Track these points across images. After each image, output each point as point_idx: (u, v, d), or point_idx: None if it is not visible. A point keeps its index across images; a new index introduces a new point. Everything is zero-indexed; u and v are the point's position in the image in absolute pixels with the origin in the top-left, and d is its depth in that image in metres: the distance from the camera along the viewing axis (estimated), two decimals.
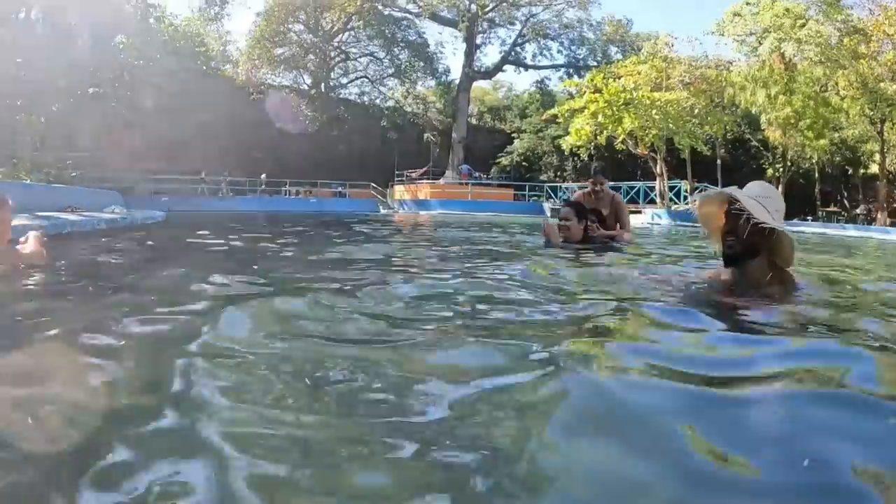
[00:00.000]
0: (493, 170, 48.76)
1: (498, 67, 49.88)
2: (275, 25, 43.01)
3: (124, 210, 11.99)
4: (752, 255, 3.03)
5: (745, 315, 2.75)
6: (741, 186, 3.12)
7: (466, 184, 38.37)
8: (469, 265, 4.99)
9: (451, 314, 2.84)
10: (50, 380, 1.86)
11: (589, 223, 6.54)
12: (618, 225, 7.40)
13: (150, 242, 7.95)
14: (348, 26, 46.08)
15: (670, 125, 30.31)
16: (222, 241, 7.62)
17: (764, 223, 2.81)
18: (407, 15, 46.67)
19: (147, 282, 4.08)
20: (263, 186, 38.28)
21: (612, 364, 1.97)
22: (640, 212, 26.76)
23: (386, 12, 45.33)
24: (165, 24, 36.89)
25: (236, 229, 9.92)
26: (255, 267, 4.98)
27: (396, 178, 42.63)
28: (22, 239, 4.58)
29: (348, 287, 3.41)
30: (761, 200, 2.94)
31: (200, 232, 9.02)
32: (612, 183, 29.22)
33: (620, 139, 32.17)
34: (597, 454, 1.37)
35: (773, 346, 2.27)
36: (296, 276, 4.50)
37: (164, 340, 2.35)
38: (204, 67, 40.87)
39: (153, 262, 5.92)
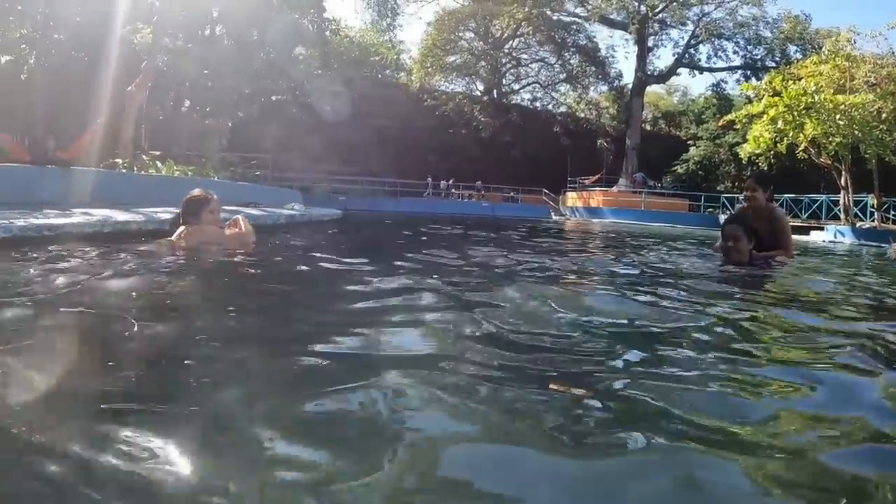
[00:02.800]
0: (667, 178, 46.52)
1: (671, 71, 47.32)
2: (445, 34, 43.07)
3: (303, 207, 11.99)
4: None
5: None
6: None
7: (640, 192, 36.88)
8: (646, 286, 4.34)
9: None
10: None
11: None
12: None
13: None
14: (518, 33, 45.37)
15: (856, 132, 27.31)
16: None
17: None
18: (576, 19, 45.12)
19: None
20: (439, 189, 38.47)
21: None
22: (821, 228, 24.36)
23: (555, 17, 44.11)
24: (341, 36, 38.15)
25: (423, 228, 9.79)
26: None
27: (569, 185, 41.64)
28: (230, 222, 5.54)
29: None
30: None
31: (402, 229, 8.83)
32: (791, 195, 27.34)
33: (802, 147, 29.32)
34: None
35: None
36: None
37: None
38: (379, 76, 42.03)
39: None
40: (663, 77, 48.23)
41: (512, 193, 39.84)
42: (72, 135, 15.92)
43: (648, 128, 54.09)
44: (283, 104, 29.63)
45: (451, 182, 38.14)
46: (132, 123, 15.36)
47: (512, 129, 43.48)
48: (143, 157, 13.06)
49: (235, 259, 4.96)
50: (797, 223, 24.99)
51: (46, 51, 22.39)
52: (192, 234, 4.92)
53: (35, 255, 4.45)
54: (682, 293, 3.86)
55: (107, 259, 4.50)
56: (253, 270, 4.61)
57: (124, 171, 11.13)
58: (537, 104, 49.15)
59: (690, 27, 44.26)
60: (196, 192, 5.29)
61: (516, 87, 49.42)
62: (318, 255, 5.50)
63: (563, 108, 49.00)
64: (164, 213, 7.07)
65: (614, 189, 39.27)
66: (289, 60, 29.51)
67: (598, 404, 1.72)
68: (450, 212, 28.16)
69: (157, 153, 14.37)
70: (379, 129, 37.19)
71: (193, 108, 21.99)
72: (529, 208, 35.94)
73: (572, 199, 39.52)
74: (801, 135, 27.70)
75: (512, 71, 48.54)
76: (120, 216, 6.54)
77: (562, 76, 47.43)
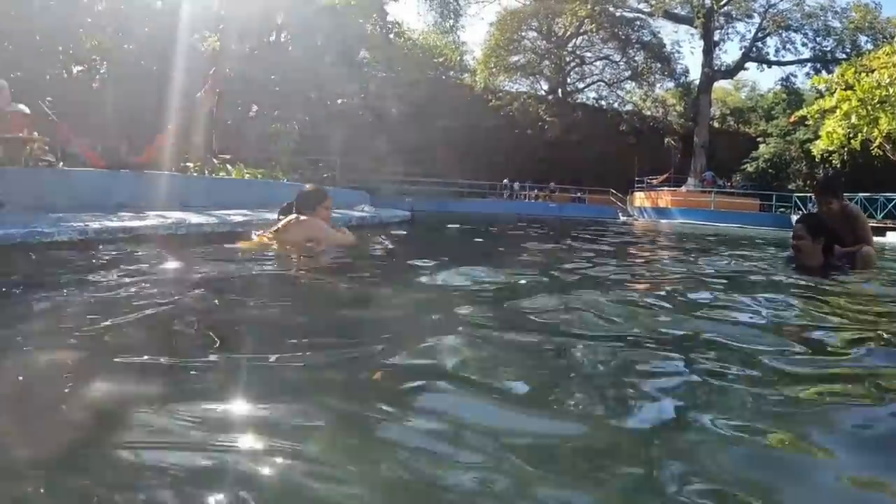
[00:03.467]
0: (736, 177, 45.03)
1: (739, 65, 45.63)
2: (508, 34, 42.84)
3: (373, 209, 11.90)
4: None
5: None
6: None
7: (709, 192, 35.88)
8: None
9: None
10: None
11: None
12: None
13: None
14: (581, 30, 44.64)
15: None
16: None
17: None
18: (639, 15, 44.10)
19: None
20: (510, 190, 38.29)
21: None
22: None
23: (618, 14, 43.29)
24: (404, 38, 38.23)
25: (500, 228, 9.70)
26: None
27: (636, 185, 40.83)
28: (341, 228, 5.76)
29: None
30: None
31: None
32: (866, 194, 25.84)
33: (877, 143, 27.94)
34: None
35: None
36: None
37: None
38: (443, 77, 42.03)
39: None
40: (731, 72, 46.63)
41: (579, 194, 39.30)
42: (144, 140, 16.24)
43: (716, 125, 52.55)
44: (348, 107, 30.02)
45: (525, 183, 38.12)
46: (202, 128, 15.70)
47: (578, 128, 42.75)
48: (214, 160, 13.16)
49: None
50: (872, 223, 23.55)
51: (117, 61, 22.99)
52: (303, 224, 4.99)
53: (140, 252, 4.64)
54: (761, 306, 3.50)
55: (211, 260, 4.61)
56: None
57: (195, 174, 11.20)
58: (603, 103, 48.34)
59: (757, 20, 42.75)
60: (312, 186, 5.62)
61: (581, 85, 48.69)
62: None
63: (629, 107, 47.98)
64: (237, 216, 7.04)
65: (683, 189, 38.26)
66: (353, 64, 29.77)
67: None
68: (518, 212, 27.90)
69: (228, 157, 14.49)
70: (444, 130, 37.19)
71: (262, 113, 22.44)
72: (597, 209, 35.39)
73: (640, 199, 38.68)
74: (875, 130, 26.50)
75: (576, 69, 47.80)
76: (193, 218, 6.51)
77: (627, 73, 46.47)
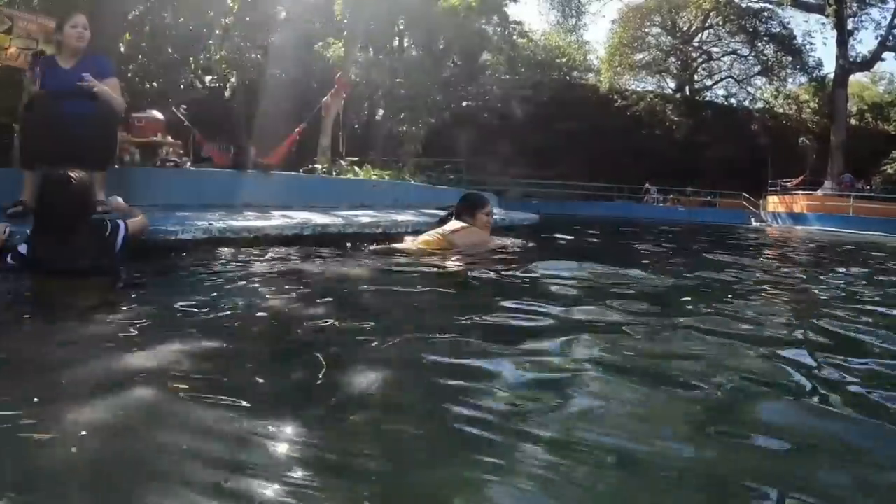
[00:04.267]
0: (876, 179, 41.80)
1: (875, 56, 42.05)
2: (631, 31, 41.59)
3: (503, 211, 11.54)
4: None
5: None
6: None
7: (847, 196, 33.57)
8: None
9: None
10: None
11: None
12: None
13: None
14: (706, 24, 42.76)
15: None
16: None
17: None
18: (766, 5, 41.43)
19: None
20: (649, 194, 37.29)
21: None
22: None
23: (744, 5, 41.03)
24: (526, 39, 37.84)
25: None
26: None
27: (769, 188, 38.63)
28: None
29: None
30: None
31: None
32: None
33: None
34: None
35: None
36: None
37: None
38: (566, 78, 41.41)
39: None
40: (867, 64, 43.03)
41: (709, 197, 37.72)
42: (272, 144, 16.66)
43: (854, 122, 49.42)
44: (472, 110, 30.25)
45: (660, 187, 37.09)
46: (329, 131, 16.00)
47: (706, 128, 40.86)
48: (342, 162, 13.25)
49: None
50: None
51: (244, 69, 23.86)
52: (468, 232, 4.96)
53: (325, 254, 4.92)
54: None
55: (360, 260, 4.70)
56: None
57: (325, 175, 11.24)
58: (732, 100, 45.78)
59: (892, 5, 39.57)
60: (472, 192, 5.67)
61: (709, 82, 46.46)
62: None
63: (759, 104, 45.52)
64: (364, 217, 6.86)
65: (819, 192, 35.88)
66: (476, 67, 29.84)
67: None
68: (647, 216, 26.97)
69: (355, 159, 14.63)
70: (568, 131, 36.38)
71: (387, 117, 22.87)
72: (728, 213, 33.70)
73: (773, 203, 36.48)
74: None
75: (703, 66, 45.65)
76: (319, 219, 6.34)
77: (756, 69, 43.92)
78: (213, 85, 28.58)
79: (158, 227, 4.60)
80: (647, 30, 43.05)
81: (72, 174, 3.48)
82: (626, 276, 4.21)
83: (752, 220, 32.20)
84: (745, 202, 36.39)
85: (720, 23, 41.86)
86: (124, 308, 2.84)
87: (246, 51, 22.82)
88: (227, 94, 28.37)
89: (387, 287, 3.59)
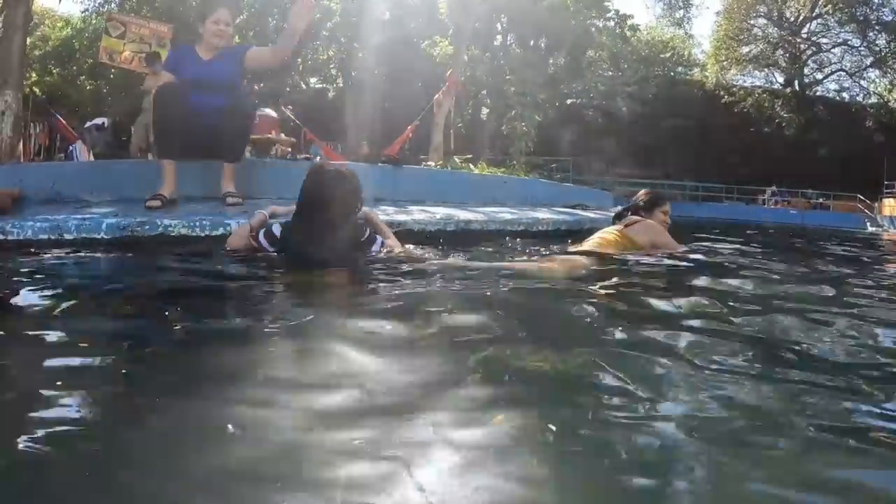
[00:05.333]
0: None
1: None
2: (736, 23, 40.08)
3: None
4: None
5: None
6: None
7: None
8: None
9: None
10: None
11: None
12: None
13: None
14: (814, 13, 40.65)
15: None
16: None
17: None
18: None
19: None
20: (774, 197, 35.76)
21: None
22: None
23: None
24: (635, 31, 37.06)
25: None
26: None
27: (885, 190, 36.49)
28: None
29: None
30: None
31: None
32: None
33: None
34: None
35: None
36: None
37: None
38: (671, 73, 40.45)
39: None
40: None
41: (821, 199, 35.94)
42: (383, 141, 16.83)
43: None
44: (576, 108, 29.95)
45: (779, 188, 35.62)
46: (441, 129, 15.95)
47: (818, 125, 38.97)
48: (456, 158, 13.12)
49: None
50: None
51: (351, 69, 24.21)
52: (645, 227, 4.69)
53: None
54: None
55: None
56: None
57: (455, 169, 11.16)
58: (844, 95, 43.42)
59: None
60: (651, 190, 5.43)
61: (819, 76, 44.00)
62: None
63: (873, 99, 43.26)
64: (504, 213, 6.62)
65: None
66: (581, 63, 29.54)
67: None
68: (758, 219, 25.82)
69: (469, 156, 14.54)
70: (674, 129, 35.74)
71: (493, 114, 22.86)
72: (842, 217, 31.83)
73: (889, 206, 34.43)
74: None
75: (813, 58, 43.42)
76: (461, 214, 6.12)
77: (868, 60, 41.47)
78: (317, 86, 29.35)
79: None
80: (752, 21, 41.32)
81: (348, 170, 3.56)
82: None
83: (868, 224, 30.53)
84: (860, 205, 34.48)
85: (829, 11, 39.82)
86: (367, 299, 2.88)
87: (353, 51, 23.14)
88: (330, 94, 29.18)
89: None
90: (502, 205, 7.71)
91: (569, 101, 29.70)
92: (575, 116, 30.36)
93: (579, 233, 6.68)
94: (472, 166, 12.84)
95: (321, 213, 3.38)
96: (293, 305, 2.76)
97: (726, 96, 39.09)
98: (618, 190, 29.40)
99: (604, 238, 4.58)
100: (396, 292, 2.93)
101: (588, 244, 4.57)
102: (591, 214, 8.01)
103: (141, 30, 18.84)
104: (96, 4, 30.65)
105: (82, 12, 34.63)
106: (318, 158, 12.10)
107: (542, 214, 6.87)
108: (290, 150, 12.48)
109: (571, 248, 4.66)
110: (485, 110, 27.80)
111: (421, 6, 28.96)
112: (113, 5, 27.42)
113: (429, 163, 13.36)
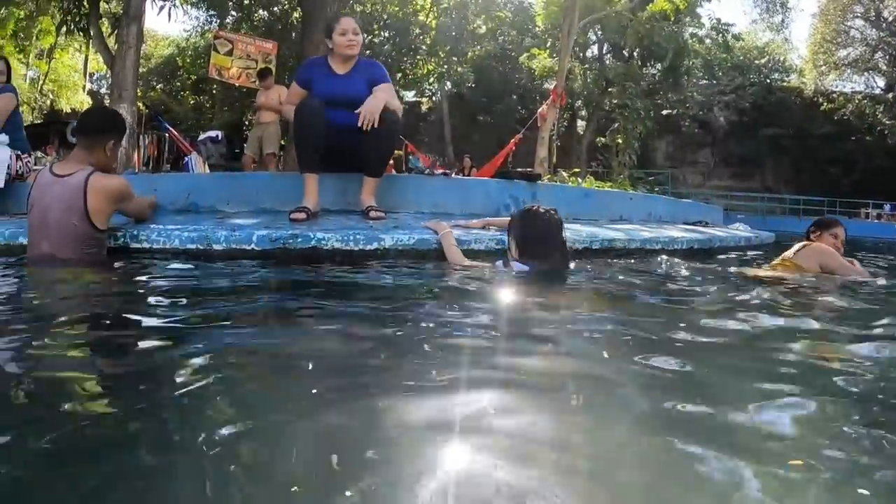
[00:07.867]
0: None
1: None
2: (833, 25, 38.44)
3: (747, 228, 10.94)
4: None
5: None
6: None
7: None
8: None
9: None
10: None
11: None
12: None
13: None
14: None
15: None
16: None
17: None
18: None
19: None
20: (886, 212, 33.50)
21: None
22: None
23: None
24: (736, 40, 36.19)
25: None
26: None
27: None
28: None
29: None
30: None
31: None
32: None
33: None
34: None
35: None
36: None
37: None
38: (767, 80, 39.27)
39: None
40: None
41: None
42: (479, 154, 16.95)
43: None
44: (674, 118, 29.39)
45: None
46: (546, 142, 15.98)
47: None
48: (563, 172, 13.18)
49: None
50: None
51: (449, 82, 24.46)
52: (811, 250, 4.61)
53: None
54: None
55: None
56: None
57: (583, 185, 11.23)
58: None
59: None
60: (825, 216, 5.27)
61: None
62: None
63: None
64: (643, 231, 6.63)
65: None
66: (678, 73, 29.08)
67: None
68: (861, 234, 24.80)
69: (577, 170, 14.59)
70: (771, 139, 34.63)
71: (589, 127, 22.73)
72: None
73: None
74: None
75: None
76: (604, 233, 6.14)
77: None
78: (413, 99, 29.77)
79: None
80: (849, 23, 39.76)
81: (547, 208, 3.70)
82: None
83: None
84: None
85: None
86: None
87: (451, 64, 23.35)
88: (424, 107, 29.57)
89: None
90: (628, 222, 7.74)
91: (664, 112, 29.12)
92: (671, 127, 29.97)
93: (709, 251, 6.66)
94: (579, 180, 12.91)
95: (552, 251, 3.62)
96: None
97: (825, 103, 37.49)
98: (716, 202, 28.90)
99: (774, 267, 4.65)
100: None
101: (762, 271, 4.63)
102: (718, 233, 7.95)
103: (247, 47, 19.48)
104: (199, 23, 31.85)
105: (185, 31, 36.34)
106: (426, 171, 12.11)
107: (676, 233, 6.82)
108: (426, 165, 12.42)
109: (750, 272, 4.67)
110: (580, 123, 27.77)
111: (515, 20, 29.12)
112: (214, 25, 28.35)
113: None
